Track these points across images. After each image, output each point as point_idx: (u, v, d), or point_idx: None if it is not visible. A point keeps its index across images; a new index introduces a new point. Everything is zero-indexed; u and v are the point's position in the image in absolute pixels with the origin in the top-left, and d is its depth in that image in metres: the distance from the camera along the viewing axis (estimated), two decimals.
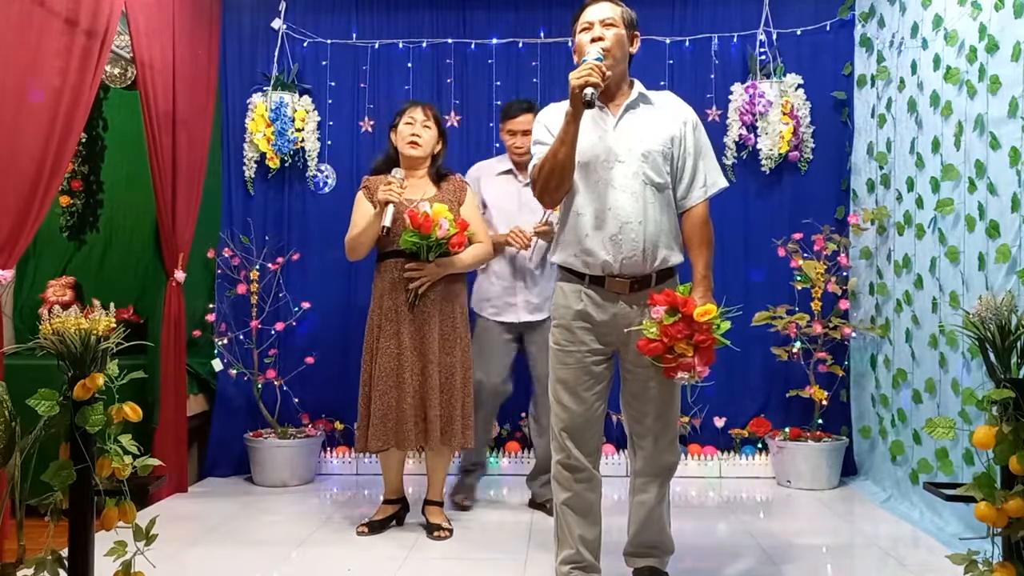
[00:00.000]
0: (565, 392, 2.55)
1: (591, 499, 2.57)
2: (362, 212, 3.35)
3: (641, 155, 2.50)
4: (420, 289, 3.25)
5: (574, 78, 2.33)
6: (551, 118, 2.56)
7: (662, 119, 2.57)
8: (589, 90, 2.31)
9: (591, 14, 2.53)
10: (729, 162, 4.47)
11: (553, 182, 2.47)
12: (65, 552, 2.01)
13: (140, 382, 2.77)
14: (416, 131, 3.36)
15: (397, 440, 3.24)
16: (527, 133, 3.39)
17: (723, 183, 2.63)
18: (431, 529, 3.38)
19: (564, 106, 2.48)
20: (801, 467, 4.17)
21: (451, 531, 3.38)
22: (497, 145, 4.56)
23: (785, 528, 3.50)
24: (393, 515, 3.46)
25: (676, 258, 2.57)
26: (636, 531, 2.66)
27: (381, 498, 3.52)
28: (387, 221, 3.19)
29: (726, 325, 2.38)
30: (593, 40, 2.47)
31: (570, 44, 2.67)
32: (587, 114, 2.42)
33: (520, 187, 3.65)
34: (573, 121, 2.38)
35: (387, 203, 3.20)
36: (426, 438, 3.26)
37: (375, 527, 3.39)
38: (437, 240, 3.20)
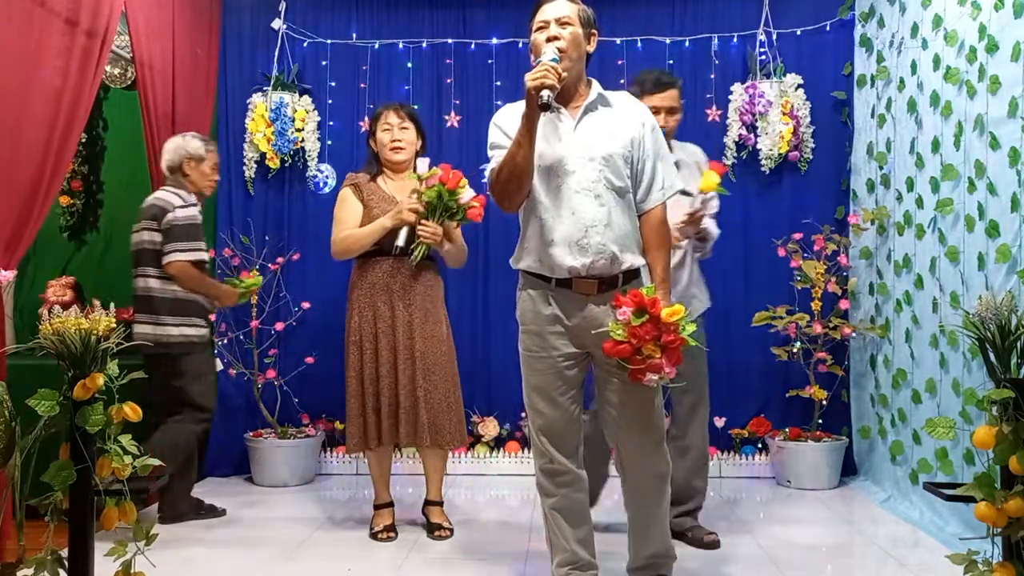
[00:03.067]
0: (540, 398, 2.51)
1: (578, 499, 2.54)
2: (350, 210, 3.36)
3: (602, 158, 2.45)
4: (426, 247, 3.24)
5: (529, 80, 2.28)
6: (506, 120, 2.52)
7: (621, 121, 2.52)
8: (545, 92, 2.26)
9: (546, 12, 2.46)
10: (729, 162, 4.47)
11: (512, 185, 2.42)
12: (65, 552, 2.01)
13: (139, 382, 2.78)
14: (396, 136, 3.37)
15: (389, 437, 3.28)
16: (673, 111, 3.17)
17: (680, 185, 2.64)
18: (432, 529, 3.38)
19: (520, 107, 2.46)
20: (801, 467, 4.16)
21: (452, 531, 3.39)
22: None
23: (785, 528, 3.50)
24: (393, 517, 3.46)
25: (640, 260, 2.52)
26: (638, 546, 2.59)
27: (373, 503, 3.47)
28: (401, 241, 3.22)
29: (692, 327, 2.33)
30: (548, 40, 2.41)
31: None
32: (546, 116, 2.38)
33: None
34: (530, 123, 2.34)
35: (404, 224, 3.22)
36: (417, 437, 3.29)
37: (391, 528, 3.38)
38: (458, 204, 3.24)
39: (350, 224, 3.34)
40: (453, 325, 4.58)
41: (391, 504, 3.45)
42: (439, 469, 3.45)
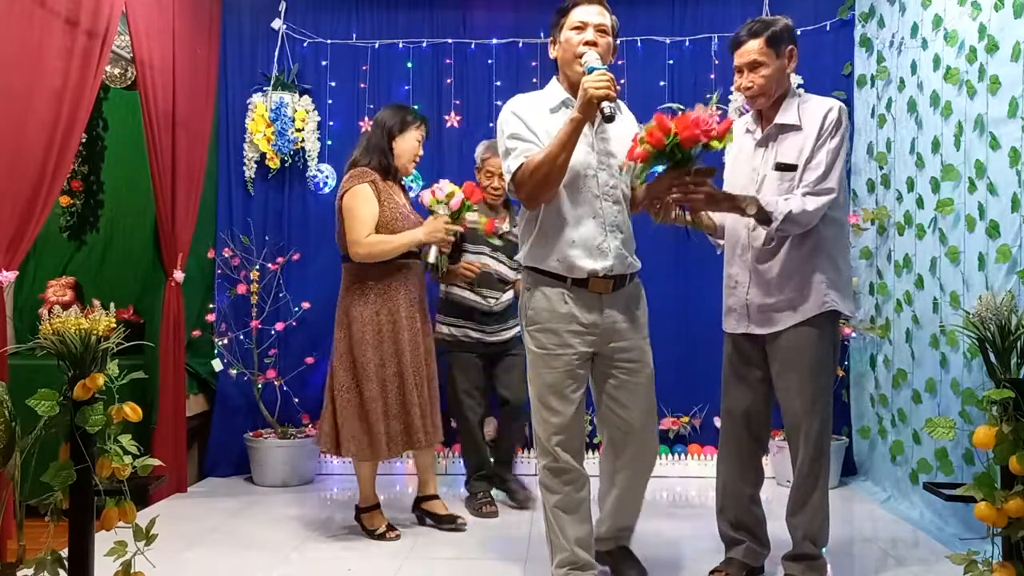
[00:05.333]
0: (553, 396, 2.53)
1: (581, 498, 2.58)
2: (373, 210, 3.29)
3: (620, 166, 2.55)
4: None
5: (593, 87, 2.27)
6: (526, 111, 2.52)
7: (636, 129, 2.58)
8: (608, 105, 2.28)
9: (584, 14, 2.49)
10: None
11: (547, 186, 2.43)
12: (65, 552, 2.01)
13: (139, 382, 2.79)
14: (419, 152, 3.46)
15: (408, 442, 3.31)
16: (756, 66, 2.69)
17: None
18: (452, 519, 3.47)
19: (536, 98, 2.54)
20: None
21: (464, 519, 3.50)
22: None
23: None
24: None
25: (638, 263, 2.65)
26: (614, 521, 2.75)
27: (364, 505, 3.43)
28: (432, 258, 3.35)
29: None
30: (587, 43, 2.44)
31: (551, 35, 2.61)
32: (567, 121, 2.38)
33: (752, 149, 2.77)
34: (580, 127, 2.35)
35: (440, 243, 3.33)
36: (425, 437, 3.33)
37: (393, 527, 3.38)
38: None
39: (372, 225, 3.28)
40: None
41: (378, 508, 3.44)
42: (433, 465, 3.59)
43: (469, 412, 3.76)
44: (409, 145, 3.39)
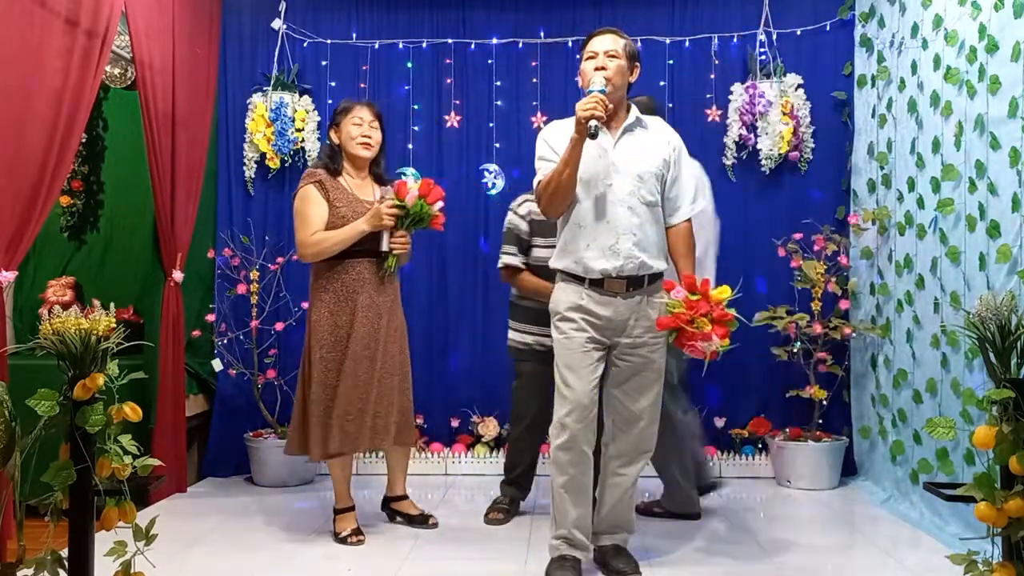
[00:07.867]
0: (570, 373, 2.75)
1: (585, 482, 2.78)
2: (319, 210, 3.25)
3: (637, 176, 2.76)
4: (396, 257, 3.29)
5: (581, 109, 2.56)
6: (553, 136, 2.81)
7: (655, 143, 2.83)
8: (593, 123, 2.54)
9: (596, 44, 2.77)
10: (729, 162, 4.47)
11: (557, 198, 2.72)
12: (65, 552, 2.01)
13: (139, 382, 2.79)
14: (366, 132, 3.34)
15: (368, 441, 3.26)
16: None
17: (702, 203, 3.00)
18: (421, 520, 3.48)
19: (566, 125, 2.74)
20: (801, 467, 4.16)
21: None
22: (497, 145, 4.56)
23: (785, 528, 3.50)
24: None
25: (662, 266, 2.83)
26: (608, 511, 2.89)
27: (337, 507, 3.41)
28: (385, 246, 3.26)
29: (733, 313, 2.68)
30: (596, 68, 2.70)
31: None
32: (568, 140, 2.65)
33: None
34: (578, 145, 2.62)
35: (383, 228, 3.23)
36: (387, 437, 3.30)
37: (359, 531, 3.34)
38: (428, 215, 3.26)
39: (319, 224, 3.25)
40: (454, 326, 4.64)
41: (352, 509, 3.42)
42: (407, 465, 3.60)
43: (527, 430, 3.58)
44: (346, 132, 3.33)
